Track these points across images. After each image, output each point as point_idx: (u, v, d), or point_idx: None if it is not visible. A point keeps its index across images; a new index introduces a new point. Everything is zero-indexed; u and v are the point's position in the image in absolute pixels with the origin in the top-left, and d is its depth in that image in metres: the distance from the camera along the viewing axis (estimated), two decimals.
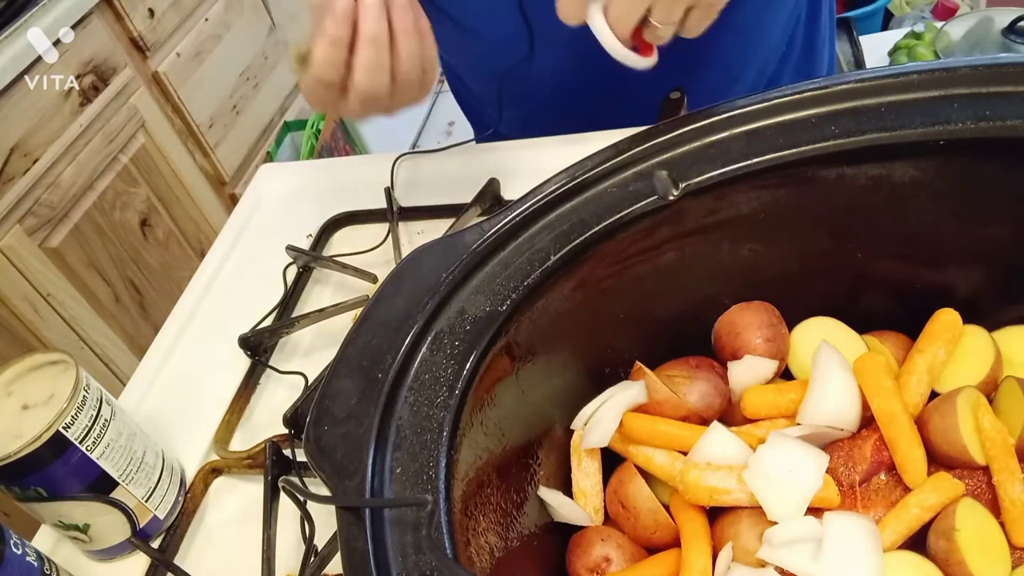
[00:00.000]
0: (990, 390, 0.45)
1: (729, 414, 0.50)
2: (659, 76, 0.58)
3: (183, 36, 1.58)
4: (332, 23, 0.53)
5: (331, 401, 0.39)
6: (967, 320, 0.47)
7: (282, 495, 0.55)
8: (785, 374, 0.51)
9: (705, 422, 0.48)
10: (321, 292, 0.74)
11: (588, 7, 0.51)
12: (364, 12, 0.53)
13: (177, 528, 0.58)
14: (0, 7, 1.24)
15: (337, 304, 0.66)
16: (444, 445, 0.37)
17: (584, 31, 0.52)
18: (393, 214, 0.74)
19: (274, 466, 0.56)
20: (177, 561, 0.56)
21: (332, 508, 0.35)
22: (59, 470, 0.50)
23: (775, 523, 0.41)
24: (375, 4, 0.54)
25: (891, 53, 1.80)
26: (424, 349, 0.40)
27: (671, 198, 0.45)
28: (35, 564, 0.50)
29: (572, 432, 0.50)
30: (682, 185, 0.45)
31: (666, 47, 0.53)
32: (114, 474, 0.52)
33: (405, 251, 0.72)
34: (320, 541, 0.45)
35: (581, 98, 0.79)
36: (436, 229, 0.74)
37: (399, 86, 0.56)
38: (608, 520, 0.49)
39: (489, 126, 0.92)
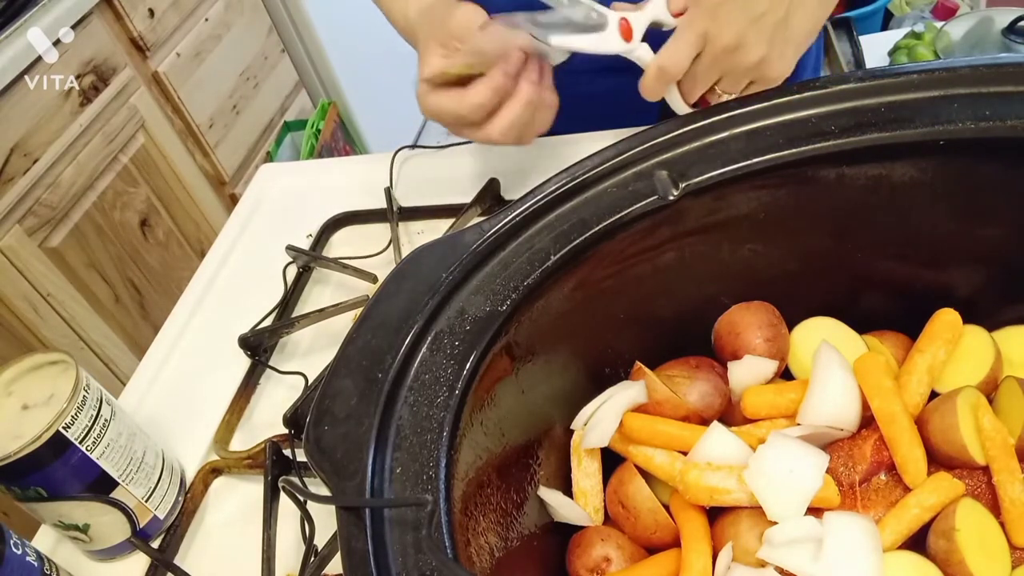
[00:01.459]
0: (990, 390, 0.45)
1: (729, 414, 0.50)
2: None
3: (183, 36, 1.58)
4: (503, 75, 0.55)
5: (331, 401, 0.39)
6: (967, 320, 0.47)
7: (282, 495, 0.55)
8: (785, 374, 0.51)
9: (705, 422, 0.48)
10: (321, 292, 0.74)
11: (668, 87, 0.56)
12: (530, 76, 0.57)
13: (177, 528, 0.58)
14: (0, 7, 1.24)
15: (337, 304, 0.66)
16: (444, 445, 0.37)
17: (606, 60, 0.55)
18: (393, 214, 0.74)
19: (274, 466, 0.56)
20: (177, 561, 0.56)
21: (332, 508, 0.35)
22: (59, 470, 0.50)
23: (775, 523, 0.41)
24: (540, 72, 0.57)
25: (891, 53, 1.80)
26: (424, 349, 0.40)
27: (671, 198, 0.45)
28: (35, 564, 0.50)
29: (572, 432, 0.50)
30: (682, 185, 0.45)
31: None
32: (114, 474, 0.52)
33: (405, 251, 0.72)
34: (320, 541, 0.45)
35: (584, 98, 0.80)
36: (436, 229, 0.74)
37: (515, 141, 0.59)
38: (608, 520, 0.49)
39: None
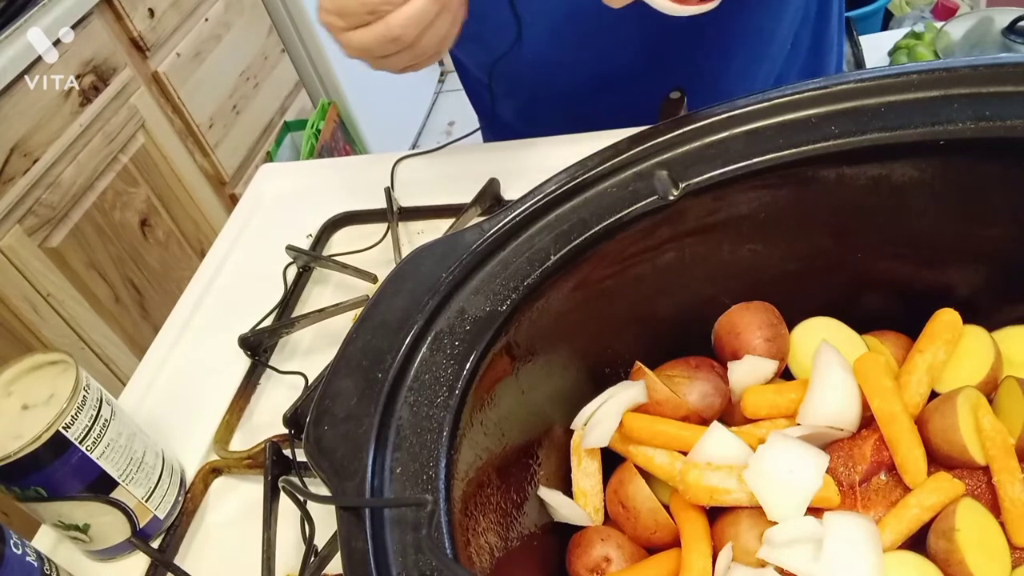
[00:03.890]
0: (990, 390, 0.45)
1: (729, 414, 0.50)
2: (659, 77, 0.58)
3: (183, 36, 1.58)
4: None
5: (331, 401, 0.39)
6: (967, 320, 0.47)
7: (282, 495, 0.55)
8: (785, 374, 0.51)
9: (705, 422, 0.48)
10: (321, 292, 0.74)
11: None
12: None
13: (177, 528, 0.58)
14: (0, 7, 1.24)
15: (337, 304, 0.66)
16: (444, 445, 0.37)
17: (569, 24, 0.52)
18: (393, 214, 0.74)
19: (274, 466, 0.56)
20: (177, 561, 0.56)
21: (332, 508, 0.35)
22: (59, 470, 0.50)
23: (775, 523, 0.41)
24: None
25: (891, 53, 1.80)
26: (424, 349, 0.40)
27: (671, 198, 0.45)
28: (35, 564, 0.50)
29: (572, 432, 0.50)
30: (682, 185, 0.45)
31: (667, 50, 0.53)
32: (114, 474, 0.52)
33: (405, 251, 0.72)
34: (320, 541, 0.45)
35: (576, 94, 0.79)
36: (436, 229, 0.74)
37: (415, 47, 0.57)
38: (608, 520, 0.49)
39: (487, 114, 0.92)
